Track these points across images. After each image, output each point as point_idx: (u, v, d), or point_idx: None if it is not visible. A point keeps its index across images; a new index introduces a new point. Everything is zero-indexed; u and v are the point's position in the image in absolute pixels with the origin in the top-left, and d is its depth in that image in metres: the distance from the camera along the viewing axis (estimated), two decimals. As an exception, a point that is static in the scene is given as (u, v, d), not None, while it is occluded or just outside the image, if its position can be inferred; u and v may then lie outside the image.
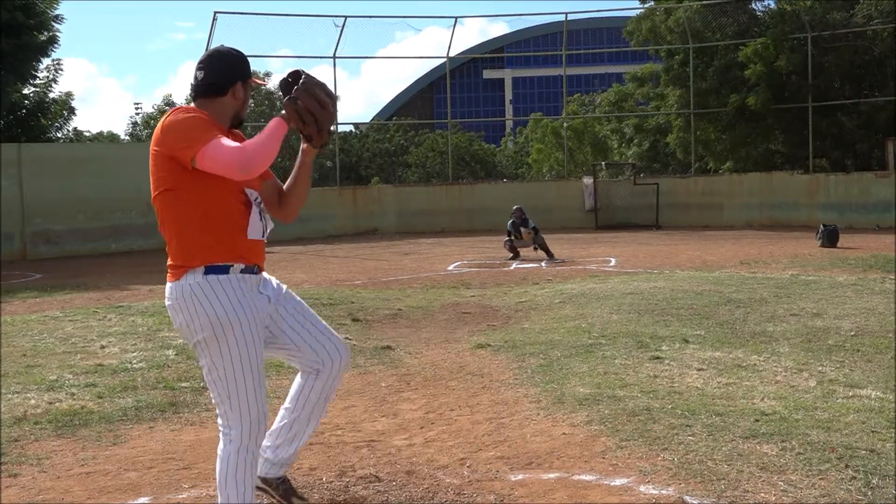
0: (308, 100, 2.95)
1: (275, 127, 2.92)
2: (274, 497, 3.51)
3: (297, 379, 3.43)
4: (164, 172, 2.97)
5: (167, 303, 3.10)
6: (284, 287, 3.36)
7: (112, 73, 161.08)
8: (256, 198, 3.14)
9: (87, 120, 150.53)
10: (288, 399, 3.46)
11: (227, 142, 2.86)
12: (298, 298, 3.39)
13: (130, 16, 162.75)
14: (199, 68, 3.09)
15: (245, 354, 3.00)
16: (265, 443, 3.41)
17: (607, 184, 26.09)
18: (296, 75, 3.01)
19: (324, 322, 3.40)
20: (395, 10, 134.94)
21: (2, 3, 20.79)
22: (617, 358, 6.44)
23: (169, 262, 3.08)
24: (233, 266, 3.02)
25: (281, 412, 3.49)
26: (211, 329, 2.98)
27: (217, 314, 2.97)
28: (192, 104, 3.10)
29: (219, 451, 3.09)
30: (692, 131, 26.81)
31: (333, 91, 3.15)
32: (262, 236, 3.14)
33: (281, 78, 3.04)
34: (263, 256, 3.18)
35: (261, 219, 3.11)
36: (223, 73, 3.07)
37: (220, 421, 3.09)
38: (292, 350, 3.31)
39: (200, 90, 3.07)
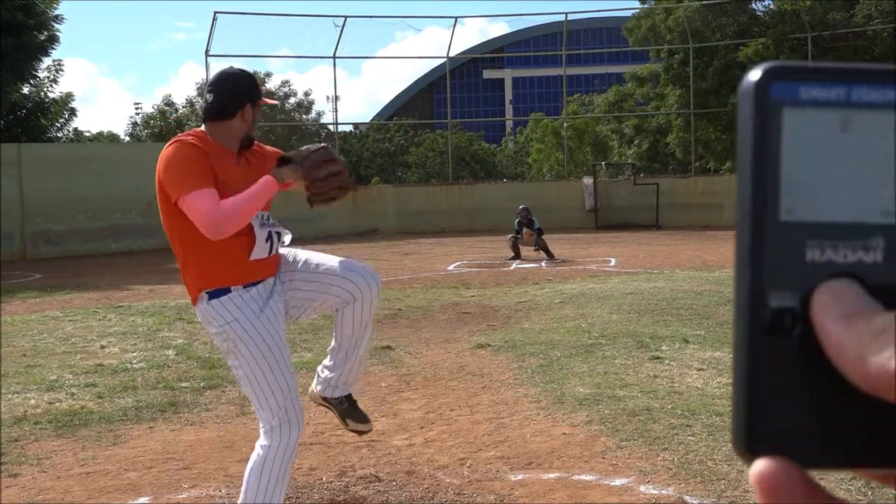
0: (328, 182, 3.10)
1: (262, 187, 2.98)
2: (335, 414, 3.56)
3: (336, 314, 3.44)
4: (163, 202, 3.04)
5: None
6: (296, 254, 3.34)
7: (112, 73, 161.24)
8: (266, 218, 3.16)
9: (88, 120, 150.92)
10: (334, 330, 3.47)
11: (204, 199, 2.88)
12: (309, 254, 3.36)
13: (130, 16, 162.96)
14: (208, 91, 3.14)
15: (261, 358, 3.07)
16: (324, 363, 3.48)
17: (607, 184, 26.09)
18: (304, 155, 3.10)
19: (341, 260, 3.37)
20: (395, 10, 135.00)
21: (2, 3, 20.79)
22: (617, 358, 6.44)
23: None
24: (232, 288, 3.07)
25: (333, 338, 3.50)
26: (230, 342, 3.07)
27: (228, 333, 3.05)
28: (202, 126, 3.13)
29: (255, 449, 3.14)
30: (692, 131, 26.81)
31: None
32: (268, 255, 3.16)
33: (312, 149, 3.12)
34: (273, 266, 3.21)
35: (267, 239, 3.13)
36: (232, 96, 3.11)
37: (259, 424, 3.17)
38: (324, 306, 3.34)
39: (209, 113, 3.11)
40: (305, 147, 3.17)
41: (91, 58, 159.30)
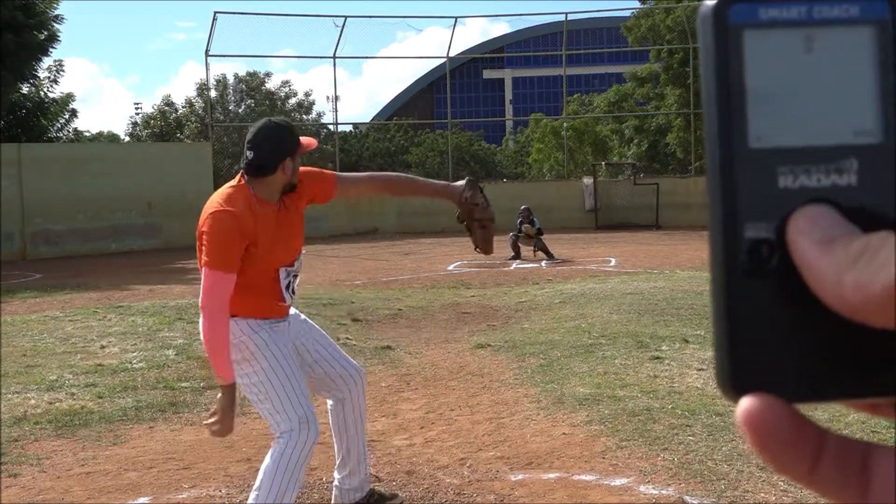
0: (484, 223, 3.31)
1: (219, 372, 3.08)
2: None
3: (330, 413, 3.61)
4: (200, 243, 3.22)
5: None
6: (302, 316, 3.57)
7: (113, 73, 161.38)
8: (289, 273, 3.29)
9: (89, 120, 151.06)
10: (333, 435, 3.65)
11: (220, 286, 3.03)
12: (316, 327, 3.59)
13: (131, 16, 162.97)
14: (248, 147, 3.16)
15: (280, 367, 3.20)
16: (337, 476, 3.67)
17: (607, 184, 26.09)
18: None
19: (338, 348, 3.61)
20: (396, 10, 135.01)
21: (2, 3, 20.79)
22: (617, 358, 6.44)
23: None
24: (263, 320, 3.25)
25: (335, 447, 3.68)
26: (246, 352, 3.17)
27: (247, 342, 3.18)
28: (242, 180, 3.17)
29: (271, 450, 3.21)
30: (692, 131, 26.82)
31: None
32: (290, 302, 3.34)
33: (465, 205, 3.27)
34: (288, 311, 3.39)
35: (287, 289, 3.28)
36: (273, 152, 3.13)
37: (273, 430, 3.25)
38: (317, 382, 3.53)
39: (250, 170, 3.15)
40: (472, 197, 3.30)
41: (92, 57, 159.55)
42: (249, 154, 3.13)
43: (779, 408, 0.34)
